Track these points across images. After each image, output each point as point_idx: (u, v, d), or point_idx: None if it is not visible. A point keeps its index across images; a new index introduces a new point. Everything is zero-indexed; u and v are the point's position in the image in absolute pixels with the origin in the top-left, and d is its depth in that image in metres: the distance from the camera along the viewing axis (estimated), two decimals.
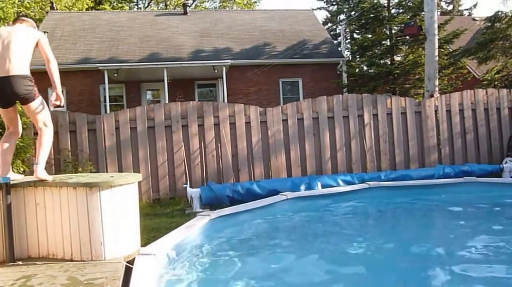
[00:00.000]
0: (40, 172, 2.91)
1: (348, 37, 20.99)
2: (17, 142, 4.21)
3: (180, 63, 13.33)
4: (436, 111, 7.19)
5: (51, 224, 2.85)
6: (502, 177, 6.57)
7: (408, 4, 13.55)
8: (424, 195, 5.67)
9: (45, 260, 2.80)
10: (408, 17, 13.40)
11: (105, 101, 12.96)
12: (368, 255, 3.59)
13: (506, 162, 6.76)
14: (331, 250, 3.79)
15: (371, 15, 13.85)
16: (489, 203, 5.35)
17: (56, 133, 5.85)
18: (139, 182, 3.11)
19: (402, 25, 12.36)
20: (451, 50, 13.53)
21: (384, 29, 14.17)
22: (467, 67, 13.88)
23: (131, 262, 2.78)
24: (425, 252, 3.61)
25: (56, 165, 5.76)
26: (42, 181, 2.91)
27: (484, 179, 6.00)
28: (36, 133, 5.69)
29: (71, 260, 2.76)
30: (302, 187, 5.86)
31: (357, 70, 14.54)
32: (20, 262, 2.76)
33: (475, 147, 7.28)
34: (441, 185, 5.87)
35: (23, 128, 4.96)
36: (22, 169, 4.56)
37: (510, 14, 10.92)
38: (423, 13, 9.83)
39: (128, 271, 2.61)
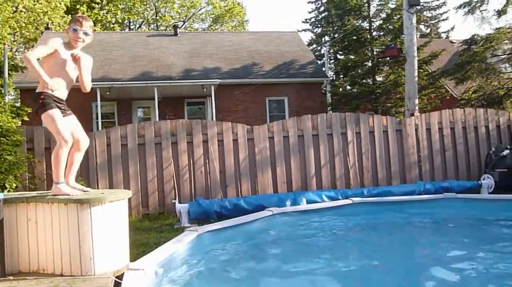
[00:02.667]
0: (54, 190, 3.01)
1: (332, 58, 21.60)
2: (10, 158, 4.26)
3: (171, 82, 13.54)
4: (416, 129, 7.39)
5: (42, 239, 2.87)
6: (480, 193, 6.72)
7: (389, 27, 14.08)
8: (405, 211, 5.78)
9: (36, 275, 2.80)
10: (389, 39, 13.90)
11: (97, 118, 13.03)
12: (353, 269, 3.70)
13: (484, 179, 6.90)
14: (316, 264, 3.86)
15: (354, 37, 14.33)
16: (469, 219, 5.50)
17: (48, 149, 5.91)
18: (129, 198, 3.18)
19: (383, 47, 12.84)
20: (430, 71, 14.04)
21: (366, 51, 14.65)
22: (446, 87, 14.39)
23: (120, 277, 2.81)
24: (407, 267, 3.74)
25: (49, 180, 5.78)
26: (34, 196, 2.98)
27: (464, 195, 6.11)
28: (28, 149, 5.79)
29: (61, 275, 2.77)
30: (288, 202, 5.92)
31: (340, 89, 14.92)
32: (11, 277, 2.77)
33: (454, 164, 7.48)
34: (422, 201, 5.99)
35: (17, 145, 5.05)
36: (14, 185, 4.58)
37: (485, 38, 11.46)
38: (403, 35, 10.25)
39: (117, 286, 2.65)
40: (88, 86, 3.23)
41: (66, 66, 3.10)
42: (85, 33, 3.10)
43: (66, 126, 3.07)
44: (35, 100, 3.04)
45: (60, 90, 3.11)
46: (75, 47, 3.13)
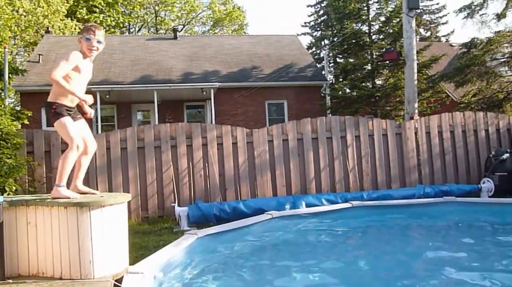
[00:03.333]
0: (54, 193, 3.03)
1: (331, 61, 21.67)
2: (10, 161, 4.29)
3: (170, 85, 13.58)
4: (416, 133, 7.37)
5: (41, 242, 2.88)
6: (480, 197, 6.70)
7: (388, 30, 14.13)
8: (405, 214, 5.77)
9: (35, 279, 2.81)
10: (388, 43, 13.94)
11: (96, 122, 13.05)
12: (352, 273, 3.69)
13: (484, 182, 6.87)
14: (315, 268, 3.86)
15: (353, 41, 14.39)
16: (469, 223, 5.49)
17: (48, 152, 5.95)
18: (129, 201, 3.18)
19: (383, 51, 12.89)
20: (429, 74, 14.07)
21: (366, 54, 14.71)
22: (445, 90, 14.42)
23: (120, 280, 2.82)
24: (406, 270, 3.73)
25: (48, 183, 5.79)
26: (34, 200, 2.99)
27: (463, 199, 6.11)
28: (28, 153, 5.80)
29: (61, 279, 2.77)
30: (287, 206, 5.92)
31: (340, 92, 14.95)
32: (10, 281, 2.78)
33: (454, 168, 7.45)
34: (422, 205, 5.96)
35: (17, 148, 5.06)
36: (14, 188, 4.59)
37: (485, 41, 11.48)
38: (402, 39, 10.28)
39: None
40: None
41: (82, 76, 3.17)
42: (99, 42, 3.16)
43: (78, 132, 3.14)
44: (47, 109, 3.10)
45: (73, 100, 3.18)
46: (89, 56, 3.19)
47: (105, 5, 26.29)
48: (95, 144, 3.35)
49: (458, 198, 6.16)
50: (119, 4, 27.88)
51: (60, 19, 19.85)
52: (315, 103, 14.87)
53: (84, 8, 24.64)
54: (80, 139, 3.12)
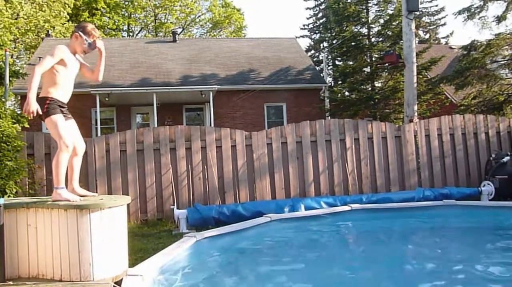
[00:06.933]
0: (55, 196, 3.04)
1: (330, 64, 21.72)
2: (11, 164, 4.30)
3: (169, 88, 13.62)
4: (415, 136, 7.35)
5: (41, 244, 2.90)
6: (480, 200, 6.66)
7: (387, 33, 14.17)
8: (404, 218, 5.76)
9: (35, 280, 2.83)
10: (388, 45, 13.98)
11: (96, 124, 13.09)
12: (350, 277, 3.70)
13: (484, 185, 6.84)
14: (314, 271, 3.86)
15: (352, 43, 14.41)
16: (469, 226, 5.48)
17: (48, 155, 5.94)
18: (128, 204, 3.20)
19: (382, 53, 12.92)
20: (429, 76, 14.09)
21: (365, 57, 14.74)
22: (445, 93, 14.44)
23: (119, 283, 2.83)
24: (405, 274, 3.73)
25: (48, 185, 5.79)
26: (34, 202, 3.00)
27: (463, 202, 6.07)
28: (29, 155, 5.82)
29: (60, 281, 2.79)
30: (286, 209, 5.90)
31: (339, 95, 14.96)
32: (10, 282, 2.80)
33: (454, 171, 7.43)
34: (421, 208, 5.96)
35: (17, 151, 5.08)
36: (14, 190, 4.61)
37: (485, 43, 11.50)
38: (401, 41, 10.30)
39: None
40: (102, 74, 3.42)
41: (71, 70, 3.22)
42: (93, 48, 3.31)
43: (68, 131, 3.14)
44: (40, 105, 3.08)
45: (65, 94, 3.22)
46: (79, 54, 3.30)
47: (106, 7, 26.36)
48: (84, 144, 3.37)
49: (458, 201, 6.12)
50: (121, 7, 27.97)
51: (61, 23, 19.89)
52: (314, 106, 14.90)
53: (86, 11, 24.72)
54: (70, 138, 3.13)
